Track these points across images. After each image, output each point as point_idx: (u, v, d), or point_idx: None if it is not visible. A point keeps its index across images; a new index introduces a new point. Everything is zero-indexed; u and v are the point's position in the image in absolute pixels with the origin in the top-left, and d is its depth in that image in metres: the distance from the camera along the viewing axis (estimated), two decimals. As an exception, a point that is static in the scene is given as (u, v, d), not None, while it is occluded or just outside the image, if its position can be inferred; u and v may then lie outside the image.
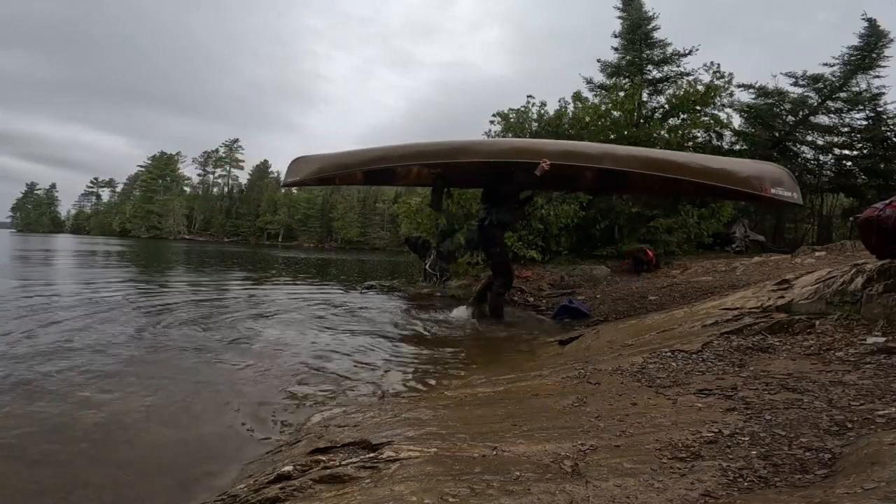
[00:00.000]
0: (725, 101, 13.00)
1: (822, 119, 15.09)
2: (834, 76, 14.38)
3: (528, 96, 12.40)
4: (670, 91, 13.56)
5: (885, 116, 14.23)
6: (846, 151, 15.47)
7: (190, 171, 66.95)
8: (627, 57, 14.77)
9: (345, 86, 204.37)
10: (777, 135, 15.23)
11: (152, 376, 2.80)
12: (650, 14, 14.78)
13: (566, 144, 6.08)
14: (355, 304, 5.99)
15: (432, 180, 5.75)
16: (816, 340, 2.19)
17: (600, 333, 3.49)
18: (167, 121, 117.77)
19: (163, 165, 60.09)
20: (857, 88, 14.37)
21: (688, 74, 13.81)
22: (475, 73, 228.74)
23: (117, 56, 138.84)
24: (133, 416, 2.23)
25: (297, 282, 9.61)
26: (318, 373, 2.98)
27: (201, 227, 57.72)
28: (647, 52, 14.53)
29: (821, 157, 15.77)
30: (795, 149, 15.59)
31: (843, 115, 14.88)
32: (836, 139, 15.16)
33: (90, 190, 72.99)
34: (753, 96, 15.31)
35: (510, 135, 11.86)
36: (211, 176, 63.31)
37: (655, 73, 14.53)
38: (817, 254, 7.57)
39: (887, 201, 2.39)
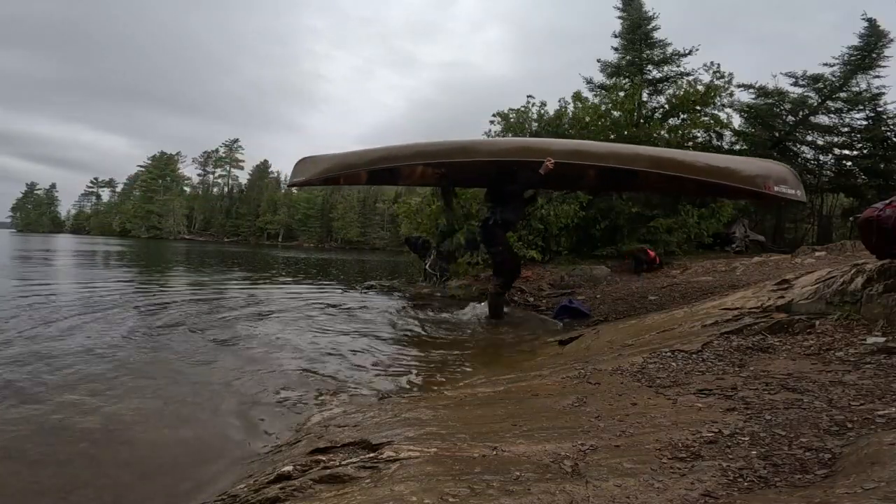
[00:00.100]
0: (725, 101, 12.97)
1: (822, 119, 15.07)
2: (834, 76, 14.37)
3: (528, 96, 12.43)
4: (670, 91, 13.53)
5: (885, 116, 14.22)
6: (846, 151, 15.45)
7: (190, 171, 67.13)
8: (627, 57, 14.75)
9: (345, 86, 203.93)
10: (777, 135, 15.22)
11: (152, 376, 2.80)
12: (650, 14, 14.77)
13: (573, 143, 6.07)
14: (355, 305, 5.99)
15: (437, 180, 5.75)
16: (816, 340, 2.19)
17: (600, 333, 3.49)
18: (167, 121, 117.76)
19: (163, 165, 60.06)
20: (857, 88, 14.35)
21: (688, 74, 13.79)
22: (476, 73, 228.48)
23: (117, 56, 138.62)
24: (132, 417, 2.23)
25: (297, 282, 9.61)
26: (318, 373, 2.98)
27: (201, 227, 57.69)
28: (647, 52, 14.51)
29: (821, 157, 15.76)
30: (795, 149, 15.57)
31: (843, 115, 14.87)
32: (836, 139, 15.14)
33: (90, 190, 72.96)
34: (753, 96, 15.31)
35: (510, 135, 11.85)
36: (211, 176, 63.36)
37: (655, 73, 14.51)
38: (817, 254, 7.56)
39: (887, 201, 2.39)
